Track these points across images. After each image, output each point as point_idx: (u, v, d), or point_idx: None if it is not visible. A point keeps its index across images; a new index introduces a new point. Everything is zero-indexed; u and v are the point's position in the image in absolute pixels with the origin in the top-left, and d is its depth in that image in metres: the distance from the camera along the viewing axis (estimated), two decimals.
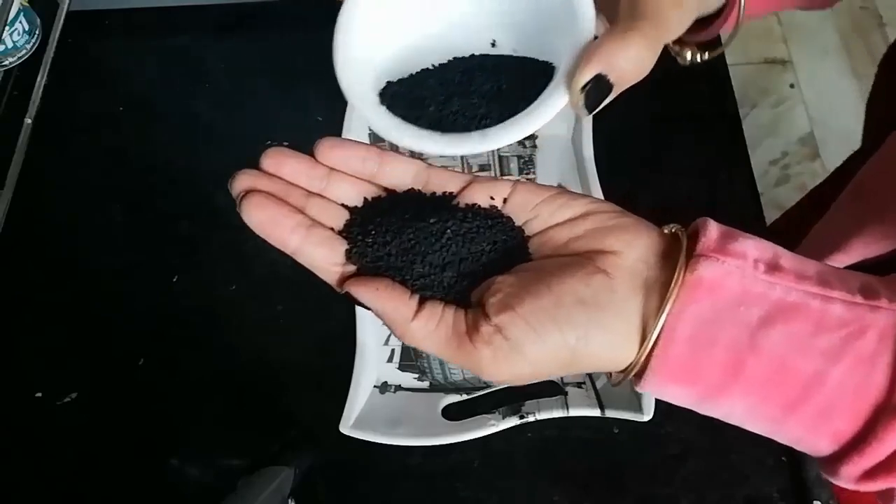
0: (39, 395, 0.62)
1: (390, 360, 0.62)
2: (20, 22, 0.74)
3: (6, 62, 0.75)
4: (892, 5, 1.77)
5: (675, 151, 0.71)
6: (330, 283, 0.36)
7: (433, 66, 0.40)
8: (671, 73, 0.72)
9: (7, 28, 0.72)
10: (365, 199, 0.37)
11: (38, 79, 0.74)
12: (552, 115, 0.36)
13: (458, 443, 0.56)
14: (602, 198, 0.61)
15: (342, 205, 0.37)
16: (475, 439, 0.56)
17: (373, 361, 0.61)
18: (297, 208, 0.36)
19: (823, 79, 1.71)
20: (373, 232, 0.35)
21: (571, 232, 0.36)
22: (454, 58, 0.40)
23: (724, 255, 0.33)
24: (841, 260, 0.59)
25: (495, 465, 0.58)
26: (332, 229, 0.36)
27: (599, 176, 0.66)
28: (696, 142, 0.71)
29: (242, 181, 0.35)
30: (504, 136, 0.36)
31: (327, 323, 0.62)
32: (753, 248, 0.34)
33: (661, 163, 0.71)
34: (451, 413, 0.59)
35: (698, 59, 0.46)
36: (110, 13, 0.80)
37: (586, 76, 0.35)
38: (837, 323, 0.33)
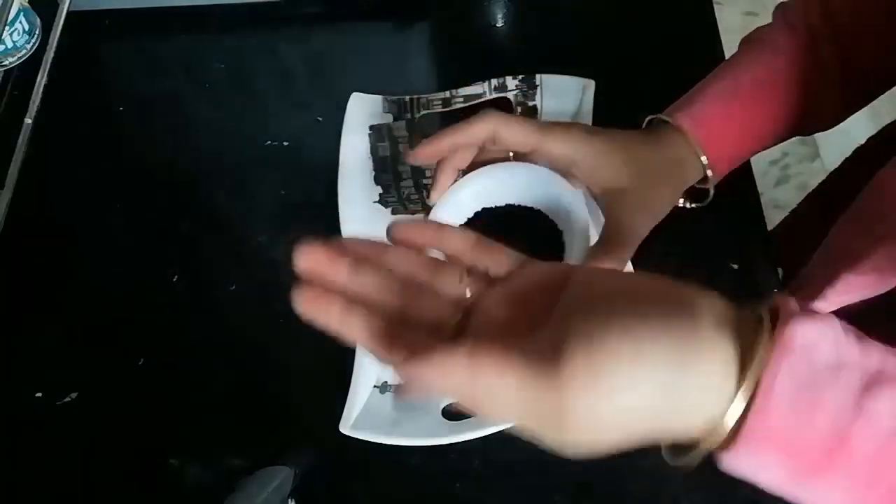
0: (39, 395, 0.62)
1: None
2: (20, 22, 0.74)
3: (6, 62, 0.75)
4: None
5: None
6: None
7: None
8: (672, 72, 0.72)
9: (7, 28, 0.72)
10: None
11: (38, 79, 0.74)
12: None
13: (458, 443, 0.56)
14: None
15: None
16: (475, 439, 0.56)
17: (373, 361, 0.61)
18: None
19: None
20: None
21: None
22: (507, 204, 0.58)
23: (813, 318, 0.31)
24: (832, 299, 0.57)
25: (496, 466, 0.58)
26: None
27: None
28: None
29: None
30: None
31: None
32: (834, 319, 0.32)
33: None
34: (452, 413, 0.59)
35: (688, 206, 0.59)
36: (110, 13, 0.80)
37: None
38: None
